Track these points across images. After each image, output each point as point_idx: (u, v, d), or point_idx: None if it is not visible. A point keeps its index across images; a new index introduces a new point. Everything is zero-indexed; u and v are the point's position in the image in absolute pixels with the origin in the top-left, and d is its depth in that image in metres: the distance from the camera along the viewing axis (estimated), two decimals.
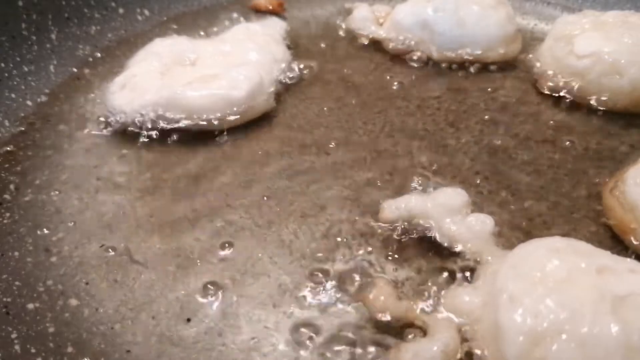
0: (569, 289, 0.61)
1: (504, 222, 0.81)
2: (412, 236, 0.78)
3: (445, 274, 0.74)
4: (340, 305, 0.72)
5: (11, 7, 1.07)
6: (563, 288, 0.61)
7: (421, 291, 0.73)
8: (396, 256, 0.77)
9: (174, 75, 0.98)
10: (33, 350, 0.69)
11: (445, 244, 0.75)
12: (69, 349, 0.69)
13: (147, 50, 1.06)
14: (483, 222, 0.76)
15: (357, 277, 0.75)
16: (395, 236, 0.79)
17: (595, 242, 0.78)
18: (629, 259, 0.68)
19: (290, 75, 1.06)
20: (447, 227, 0.75)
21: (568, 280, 0.61)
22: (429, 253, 0.77)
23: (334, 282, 0.75)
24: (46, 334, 0.71)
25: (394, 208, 0.78)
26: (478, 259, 0.73)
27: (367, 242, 0.79)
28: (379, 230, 0.80)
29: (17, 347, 0.70)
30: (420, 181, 0.87)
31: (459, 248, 0.75)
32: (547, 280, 0.62)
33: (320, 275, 0.76)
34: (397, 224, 0.79)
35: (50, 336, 0.71)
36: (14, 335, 0.71)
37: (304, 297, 0.73)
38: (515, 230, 0.81)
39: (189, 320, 0.72)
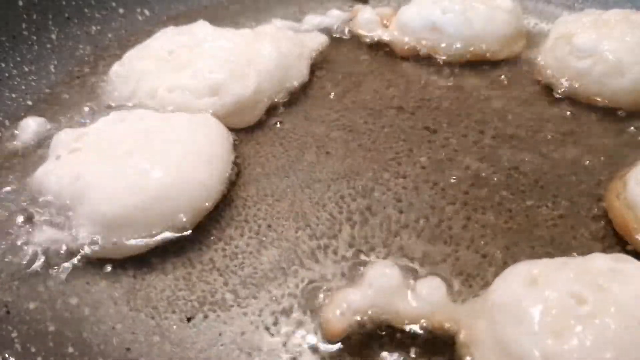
0: (593, 318, 0.57)
1: (504, 224, 0.81)
2: (379, 336, 0.68)
3: None
4: None
5: (11, 7, 1.07)
6: (587, 320, 0.57)
7: None
8: None
9: (171, 68, 0.97)
10: (33, 350, 0.69)
11: (410, 328, 0.67)
12: (70, 349, 0.69)
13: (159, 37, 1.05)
14: (437, 288, 0.68)
15: None
16: (360, 345, 0.68)
17: (597, 242, 0.79)
18: (597, 254, 0.66)
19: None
20: (403, 308, 0.67)
21: (582, 309, 0.58)
22: (404, 347, 0.67)
23: None
24: (46, 334, 0.71)
25: (339, 315, 0.67)
26: (450, 327, 0.66)
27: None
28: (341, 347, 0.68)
29: (17, 346, 0.69)
30: (420, 183, 0.87)
31: (425, 326, 0.67)
32: (566, 319, 0.58)
33: None
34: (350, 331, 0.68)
35: (50, 335, 0.71)
36: (14, 335, 0.71)
37: None
38: (514, 231, 0.80)
39: (189, 319, 0.72)
